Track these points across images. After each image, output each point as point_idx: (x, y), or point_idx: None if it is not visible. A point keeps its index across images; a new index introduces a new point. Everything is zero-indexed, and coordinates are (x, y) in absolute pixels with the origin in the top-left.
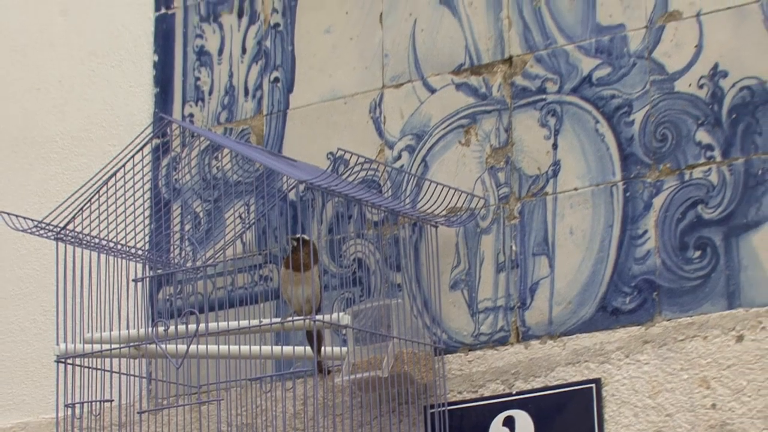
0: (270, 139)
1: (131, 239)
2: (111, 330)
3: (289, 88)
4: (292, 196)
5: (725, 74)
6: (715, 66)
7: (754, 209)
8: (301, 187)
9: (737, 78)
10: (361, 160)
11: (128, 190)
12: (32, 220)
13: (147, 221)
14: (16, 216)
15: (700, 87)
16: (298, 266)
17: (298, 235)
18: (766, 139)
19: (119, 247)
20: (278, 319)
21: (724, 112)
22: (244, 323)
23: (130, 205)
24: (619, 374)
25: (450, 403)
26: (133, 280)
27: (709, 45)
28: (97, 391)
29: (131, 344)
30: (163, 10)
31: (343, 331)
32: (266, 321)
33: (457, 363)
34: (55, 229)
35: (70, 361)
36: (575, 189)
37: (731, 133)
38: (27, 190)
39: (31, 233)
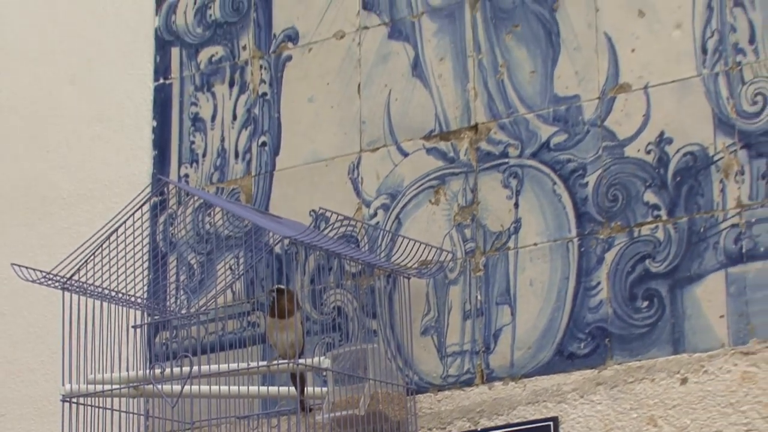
0: (258, 197)
1: (131, 289)
2: (112, 372)
3: (276, 151)
4: (277, 250)
5: (670, 141)
6: (661, 133)
7: (696, 263)
8: (286, 242)
9: (681, 144)
10: (341, 217)
11: (129, 244)
12: (41, 272)
13: (146, 272)
14: (27, 268)
15: (648, 152)
16: (282, 314)
17: (275, 286)
18: (707, 200)
19: (120, 296)
20: (264, 363)
21: (669, 175)
22: (233, 366)
23: (130, 258)
24: (575, 413)
25: None
26: (132, 327)
27: (656, 114)
28: (99, 427)
29: (131, 385)
30: (161, 80)
31: (324, 373)
32: (254, 364)
33: (428, 402)
34: (61, 280)
35: (74, 400)
36: (535, 244)
37: (676, 194)
38: (37, 244)
39: (39, 283)
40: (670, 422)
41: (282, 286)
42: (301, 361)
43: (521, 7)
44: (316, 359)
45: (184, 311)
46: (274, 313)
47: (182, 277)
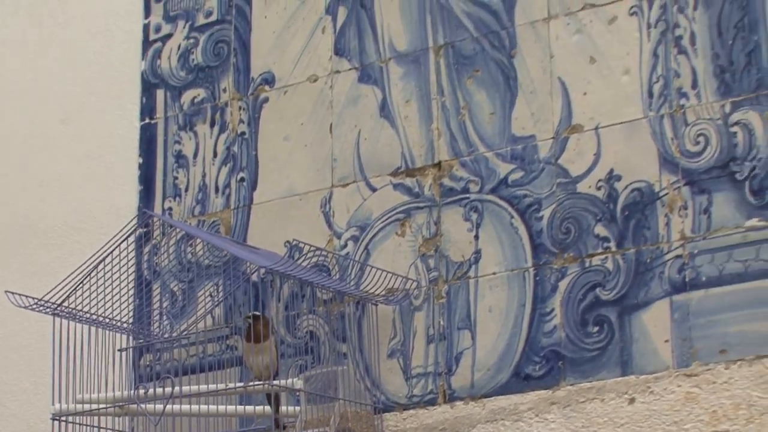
0: (237, 229)
1: (118, 314)
2: (99, 392)
3: (253, 186)
4: (254, 278)
5: (619, 178)
6: (611, 171)
7: (643, 292)
8: (262, 271)
9: (629, 181)
10: (313, 248)
11: (116, 272)
12: (33, 298)
13: (131, 299)
14: (20, 295)
15: (598, 189)
16: (258, 338)
17: (250, 313)
18: (653, 233)
19: (107, 321)
20: (242, 384)
21: (618, 209)
22: (212, 386)
23: (117, 286)
24: (530, 431)
25: None
26: (118, 350)
27: (606, 153)
28: None
29: (117, 404)
30: (147, 120)
31: (297, 393)
32: (231, 385)
33: (394, 420)
34: (52, 306)
35: (64, 418)
36: (494, 273)
37: (624, 227)
38: (29, 272)
39: (31, 310)
40: None
41: (258, 313)
42: (276, 382)
43: (481, 54)
44: (289, 380)
45: (167, 335)
46: (250, 337)
47: (165, 304)
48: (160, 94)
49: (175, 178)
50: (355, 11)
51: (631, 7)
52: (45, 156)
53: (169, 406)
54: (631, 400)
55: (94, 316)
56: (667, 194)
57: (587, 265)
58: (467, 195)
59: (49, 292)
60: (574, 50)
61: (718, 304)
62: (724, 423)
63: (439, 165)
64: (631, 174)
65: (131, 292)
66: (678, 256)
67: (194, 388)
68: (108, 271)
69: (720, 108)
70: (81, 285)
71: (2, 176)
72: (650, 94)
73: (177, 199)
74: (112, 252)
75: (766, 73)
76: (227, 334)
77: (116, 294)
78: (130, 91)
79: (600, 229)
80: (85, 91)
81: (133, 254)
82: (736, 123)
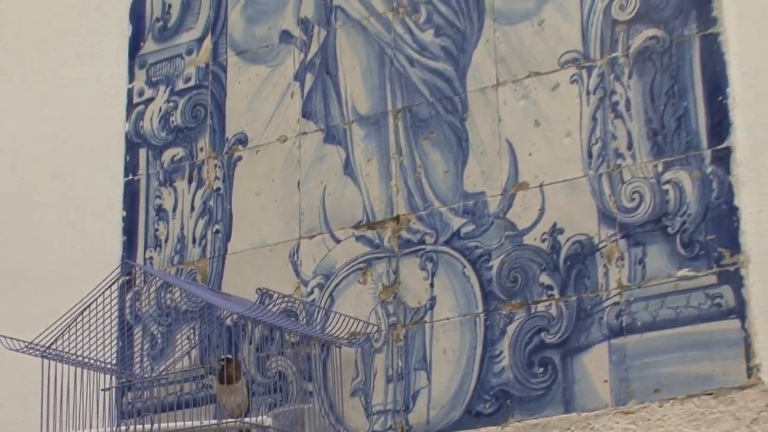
0: (212, 277)
1: (102, 356)
2: (85, 429)
3: (227, 238)
4: (228, 322)
5: (562, 231)
6: (554, 225)
7: (584, 336)
8: (235, 316)
9: (571, 234)
10: (282, 295)
11: (101, 317)
12: (23, 342)
13: (115, 341)
14: (11, 338)
15: (543, 241)
16: (230, 380)
17: (223, 356)
18: (593, 282)
19: (92, 362)
20: (215, 421)
21: (561, 260)
22: (189, 423)
23: (102, 329)
24: None
25: None
26: (102, 389)
27: (550, 209)
28: None
29: None
30: (130, 177)
31: (267, 430)
32: (206, 422)
33: None
34: (41, 349)
35: None
36: (447, 318)
37: (566, 276)
38: (21, 316)
39: (22, 352)
40: None
41: (230, 356)
42: (247, 419)
43: (436, 117)
44: (260, 417)
45: (147, 375)
46: (223, 379)
47: (146, 346)
48: (142, 152)
49: (156, 230)
50: (321, 78)
51: (572, 76)
52: (37, 208)
53: None
54: None
55: (81, 358)
56: (605, 246)
57: (533, 311)
58: (423, 246)
59: (39, 335)
60: (520, 114)
61: (653, 348)
62: None
63: (397, 219)
64: (572, 228)
65: (115, 335)
66: (615, 303)
67: (172, 424)
68: (93, 316)
69: (653, 168)
70: (68, 329)
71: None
72: (590, 155)
73: (158, 249)
74: (97, 299)
75: (694, 135)
76: (203, 374)
77: (101, 337)
78: (115, 150)
79: (544, 278)
80: (74, 149)
81: (116, 300)
82: (668, 181)
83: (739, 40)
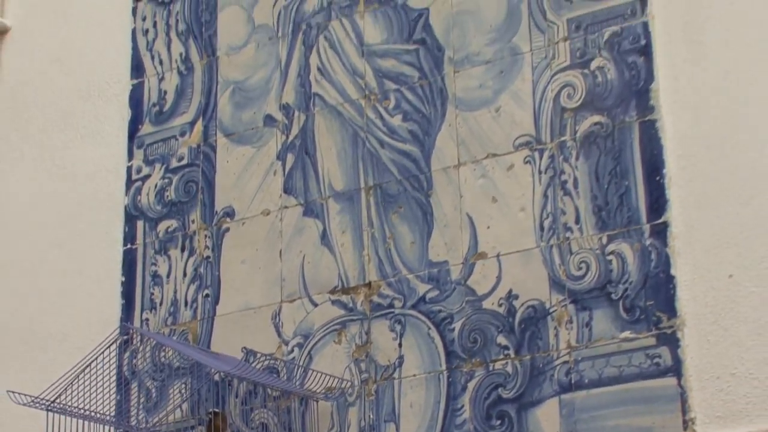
0: (202, 337)
1: (102, 408)
2: None
3: (216, 301)
4: (216, 378)
5: (517, 297)
6: (510, 291)
7: (537, 391)
8: (222, 373)
9: (525, 300)
10: (265, 354)
11: (101, 373)
12: (30, 396)
13: (114, 395)
14: (18, 393)
15: (500, 305)
16: (217, 431)
17: (211, 410)
18: (545, 342)
19: (93, 414)
20: None
21: (516, 323)
22: None
23: (102, 384)
24: None
25: None
26: None
27: (506, 276)
28: None
29: None
30: (129, 246)
31: None
32: None
33: None
34: (46, 403)
35: None
36: (414, 375)
37: (521, 337)
38: (28, 373)
39: (28, 406)
40: None
41: (217, 410)
42: None
43: (404, 194)
44: None
45: (143, 426)
46: (211, 430)
47: (142, 399)
48: (140, 224)
49: (152, 294)
50: (300, 157)
51: (525, 157)
52: (44, 274)
53: None
54: None
55: (82, 411)
56: (555, 311)
57: (491, 369)
58: (392, 310)
59: (44, 390)
60: (479, 191)
61: (598, 402)
62: None
63: (369, 285)
64: (526, 294)
65: (114, 389)
66: (565, 362)
67: None
68: (94, 373)
69: (598, 240)
70: (71, 384)
71: (7, 290)
72: (541, 228)
73: (153, 311)
74: (97, 357)
75: (635, 211)
76: (193, 425)
77: (101, 391)
78: (115, 222)
79: (501, 339)
80: (78, 221)
81: (115, 358)
82: (611, 253)
83: (674, 126)
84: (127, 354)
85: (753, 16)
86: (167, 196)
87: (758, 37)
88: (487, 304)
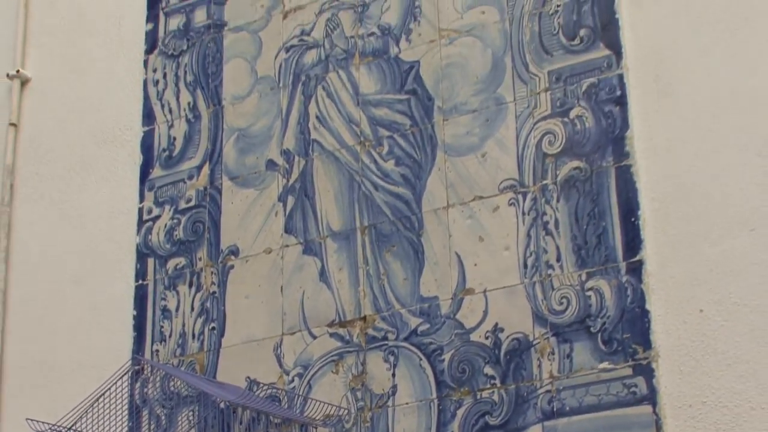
0: (208, 368)
1: None
2: None
3: (222, 334)
4: (222, 406)
5: (502, 330)
6: (496, 324)
7: (521, 418)
8: (227, 402)
9: (510, 333)
10: (267, 383)
11: (114, 402)
12: (48, 424)
13: (126, 422)
14: (38, 421)
15: (486, 338)
16: None
17: None
18: (528, 372)
19: None
20: None
21: (501, 354)
22: None
23: (115, 412)
24: None
25: None
26: None
27: (492, 311)
28: None
29: None
30: (140, 282)
31: None
32: None
33: None
34: (63, 430)
35: None
36: (407, 403)
37: (507, 368)
38: (46, 402)
39: None
40: None
41: None
42: None
43: (397, 234)
44: None
45: None
46: None
47: (152, 426)
48: (150, 261)
49: (162, 327)
50: (300, 199)
51: (510, 199)
52: (61, 308)
53: None
54: None
55: None
56: (538, 343)
57: (478, 397)
58: (386, 342)
59: (62, 418)
60: (467, 231)
61: (579, 429)
62: None
63: (364, 318)
64: (511, 327)
65: (126, 416)
66: (548, 391)
67: None
68: (108, 401)
69: (578, 277)
70: (87, 412)
71: (27, 324)
72: (525, 266)
73: (163, 343)
74: (110, 387)
75: (612, 250)
76: None
77: (114, 418)
78: (127, 259)
79: (488, 369)
80: (93, 258)
81: (127, 387)
82: (590, 289)
83: (647, 171)
84: (138, 383)
85: (720, 69)
86: (176, 235)
87: (725, 89)
88: (474, 337)
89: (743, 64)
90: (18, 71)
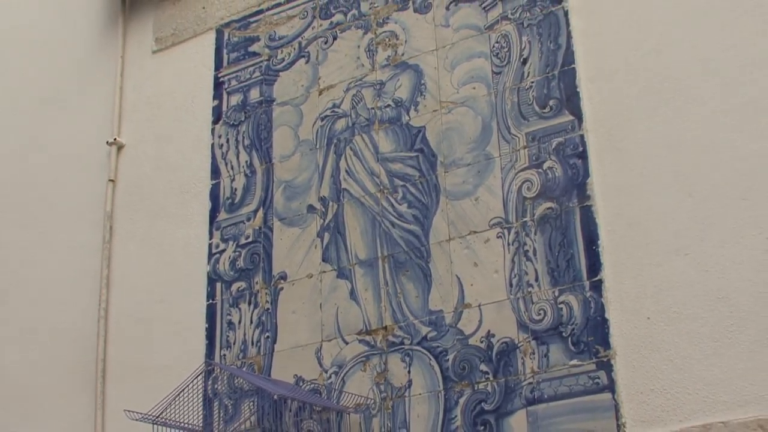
0: (264, 368)
1: (193, 421)
2: None
3: (274, 341)
4: (275, 398)
5: (494, 335)
6: (488, 331)
7: (510, 405)
8: (279, 395)
9: (500, 338)
10: (310, 380)
11: (192, 396)
12: (141, 413)
13: (201, 411)
14: (132, 411)
15: (481, 342)
16: None
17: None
18: (515, 369)
19: (186, 426)
20: None
21: (493, 354)
22: None
23: (192, 404)
24: None
25: None
26: None
27: (486, 321)
28: None
29: None
30: (210, 301)
31: None
32: None
33: None
34: (152, 418)
35: None
36: (420, 394)
37: (497, 365)
38: (138, 397)
39: (139, 421)
40: None
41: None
42: None
43: (410, 261)
44: None
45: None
46: None
47: (222, 414)
48: (218, 285)
49: (227, 336)
50: (334, 236)
51: (498, 233)
52: (149, 323)
53: None
54: None
55: (178, 423)
56: (522, 345)
57: (476, 388)
58: (403, 346)
59: (151, 408)
60: (465, 258)
61: (555, 412)
62: None
63: (386, 328)
64: (500, 333)
65: (201, 407)
66: (530, 383)
67: None
68: (187, 395)
69: (552, 293)
70: (170, 404)
71: (122, 335)
72: (511, 285)
73: (228, 349)
74: (189, 384)
75: (578, 272)
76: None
77: (192, 409)
78: (200, 284)
79: (483, 367)
80: (174, 283)
81: (201, 384)
82: (562, 302)
83: (605, 210)
84: (210, 381)
85: (659, 130)
86: (238, 264)
87: (663, 145)
88: (472, 341)
89: (677, 125)
90: (115, 139)
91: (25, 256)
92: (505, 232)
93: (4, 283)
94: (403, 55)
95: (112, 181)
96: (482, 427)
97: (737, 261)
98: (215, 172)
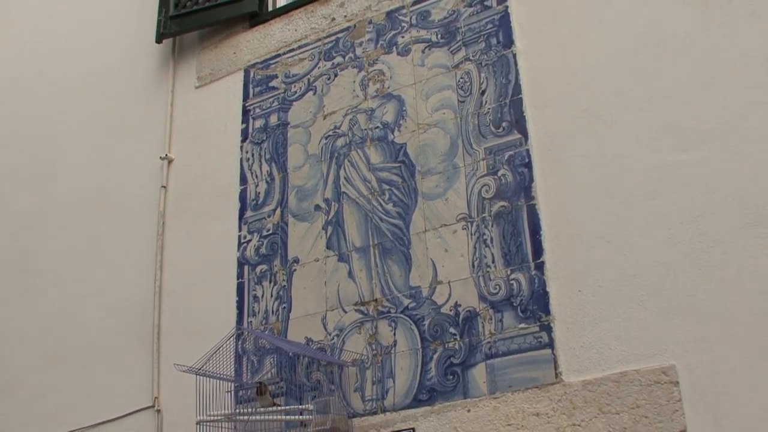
0: (282, 331)
1: (226, 372)
2: (216, 410)
3: (289, 311)
4: (290, 355)
5: (460, 305)
6: (456, 302)
7: (472, 359)
8: (294, 352)
9: (465, 307)
10: (317, 340)
11: (226, 353)
12: (186, 366)
13: (233, 364)
14: (179, 365)
15: (450, 310)
16: (261, 392)
17: (258, 380)
18: (476, 331)
19: (222, 375)
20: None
21: (460, 320)
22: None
23: (226, 359)
24: (421, 427)
25: None
26: (227, 391)
27: (454, 294)
28: None
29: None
30: (239, 280)
31: (309, 411)
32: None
33: (357, 422)
34: (195, 370)
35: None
36: (403, 351)
37: (463, 328)
38: (187, 353)
39: (185, 372)
40: None
41: (263, 381)
42: (299, 407)
43: (395, 248)
44: (306, 405)
45: (250, 381)
46: (259, 391)
47: (249, 367)
48: (246, 268)
49: (253, 307)
50: (335, 228)
51: (463, 226)
52: (192, 297)
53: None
54: (468, 411)
55: (215, 374)
56: (482, 313)
57: (446, 347)
58: (389, 314)
59: (195, 362)
60: (437, 246)
61: (508, 365)
62: (513, 423)
63: (376, 300)
64: (465, 303)
65: (233, 362)
66: (488, 342)
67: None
68: (222, 352)
69: (505, 272)
70: (209, 359)
71: (172, 307)
72: (473, 266)
73: (254, 317)
74: (223, 344)
75: (525, 255)
76: (277, 381)
77: (226, 363)
78: (232, 267)
79: (452, 330)
80: (212, 267)
81: (233, 344)
82: (513, 279)
83: (546, 207)
84: (240, 342)
85: (590, 145)
86: (261, 251)
87: (592, 157)
88: (443, 310)
89: (599, 142)
90: (166, 154)
91: (100, 246)
92: (469, 225)
93: (87, 266)
94: (388, 88)
95: (164, 187)
96: (451, 377)
97: (646, 246)
98: (243, 180)
